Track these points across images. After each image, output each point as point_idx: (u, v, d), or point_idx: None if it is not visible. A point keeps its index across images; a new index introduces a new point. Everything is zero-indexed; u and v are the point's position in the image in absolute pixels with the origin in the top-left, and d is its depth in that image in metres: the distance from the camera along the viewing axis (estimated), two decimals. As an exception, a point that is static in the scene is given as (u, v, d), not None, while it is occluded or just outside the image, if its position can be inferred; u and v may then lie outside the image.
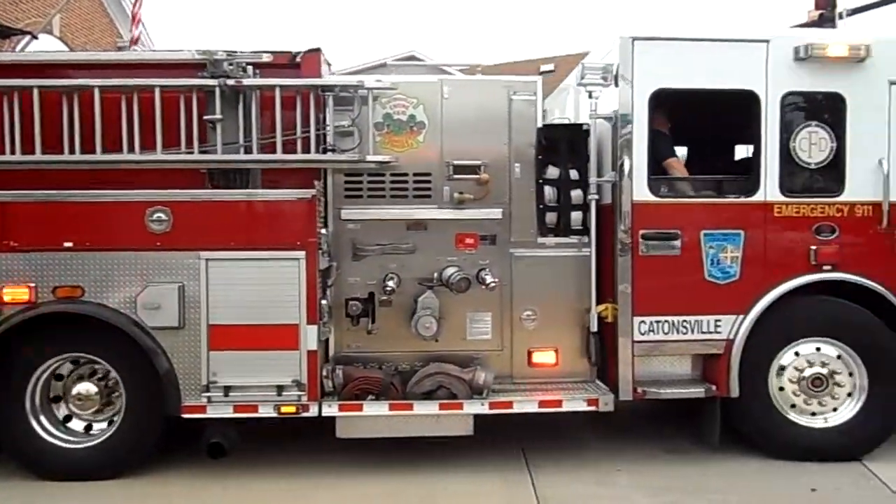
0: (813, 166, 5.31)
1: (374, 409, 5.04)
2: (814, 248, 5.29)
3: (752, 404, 5.30)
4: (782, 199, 5.28)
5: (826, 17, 13.41)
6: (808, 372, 5.35)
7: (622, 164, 5.18)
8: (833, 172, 5.33)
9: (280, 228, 4.97)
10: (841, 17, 13.43)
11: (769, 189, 5.27)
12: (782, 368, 5.36)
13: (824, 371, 5.36)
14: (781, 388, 5.36)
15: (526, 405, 5.16)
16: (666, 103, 5.34)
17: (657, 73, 5.19)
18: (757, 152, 5.30)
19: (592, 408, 5.19)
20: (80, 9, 16.24)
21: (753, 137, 5.31)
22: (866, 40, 5.26)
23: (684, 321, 5.28)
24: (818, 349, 5.37)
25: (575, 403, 5.19)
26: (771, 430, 5.35)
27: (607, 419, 5.51)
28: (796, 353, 5.37)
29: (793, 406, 5.37)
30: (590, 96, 5.29)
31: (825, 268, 5.31)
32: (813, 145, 5.29)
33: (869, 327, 5.37)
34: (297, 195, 4.97)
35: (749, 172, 5.36)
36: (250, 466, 5.23)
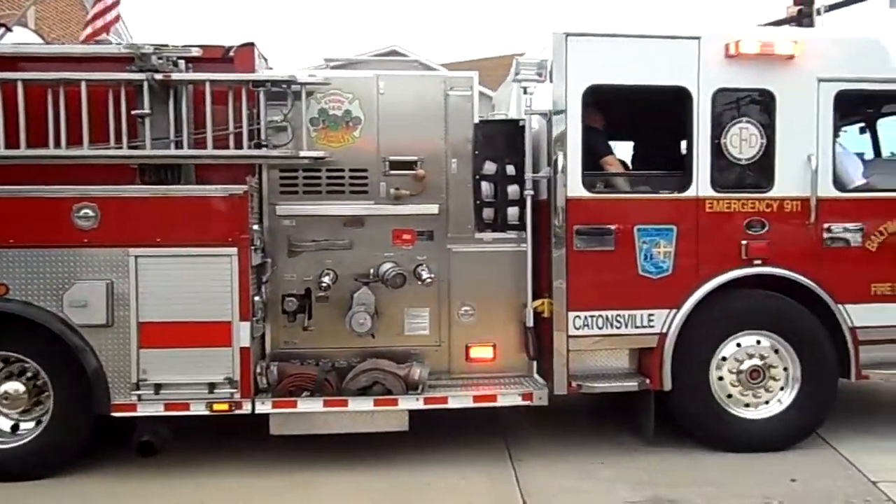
0: (743, 162, 5.40)
1: (309, 405, 5.02)
2: (745, 242, 5.37)
3: (692, 397, 5.38)
4: (714, 194, 5.35)
5: (804, 13, 13.62)
6: (746, 364, 5.44)
7: (556, 160, 5.21)
8: (763, 168, 5.42)
9: (211, 225, 4.92)
10: (819, 13, 13.64)
11: (701, 185, 5.34)
12: (723, 360, 5.43)
13: (762, 363, 5.45)
14: (721, 380, 5.43)
15: (461, 400, 5.19)
16: (600, 99, 5.38)
17: (590, 70, 5.23)
18: (689, 148, 5.36)
19: (527, 402, 5.23)
20: (56, 1, 15.95)
21: (686, 134, 5.37)
22: (795, 38, 5.36)
23: (618, 316, 5.33)
24: (758, 342, 5.47)
25: (510, 398, 5.23)
26: (710, 422, 5.42)
27: (590, 412, 5.59)
28: (738, 345, 5.45)
29: (729, 396, 5.44)
30: (525, 92, 5.31)
31: (756, 262, 5.40)
32: (743, 141, 5.37)
33: (802, 320, 5.48)
34: (229, 191, 4.93)
35: (682, 168, 5.43)
36: (225, 464, 5.21)
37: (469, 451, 5.44)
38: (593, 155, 5.44)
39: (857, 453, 5.34)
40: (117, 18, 12.63)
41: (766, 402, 5.49)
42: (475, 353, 5.52)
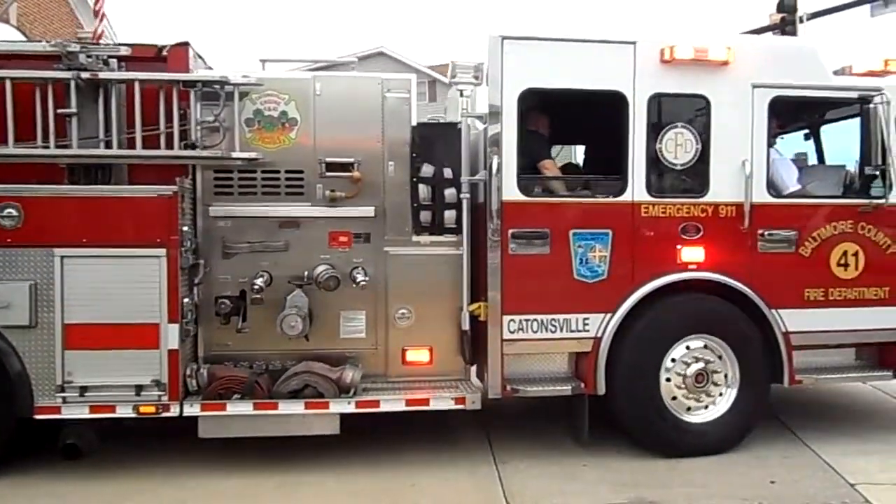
0: (679, 167, 5.43)
1: (238, 408, 4.98)
2: (680, 247, 5.40)
3: (635, 401, 5.38)
4: (649, 199, 5.38)
5: (787, 20, 13.76)
6: (692, 368, 5.46)
7: (491, 164, 5.21)
8: (698, 173, 5.46)
9: (140, 225, 4.88)
10: (801, 20, 13.77)
11: (636, 189, 5.36)
12: (671, 363, 5.45)
13: (706, 367, 5.48)
14: (668, 383, 5.45)
15: (393, 404, 5.17)
16: (536, 103, 5.40)
17: (526, 73, 5.23)
18: (624, 153, 5.38)
19: (460, 406, 5.22)
20: (40, -2, 15.80)
21: (621, 138, 5.39)
22: (729, 44, 5.39)
23: (553, 320, 5.34)
24: (704, 346, 5.50)
25: (442, 402, 5.22)
26: (654, 426, 5.43)
27: (573, 414, 5.53)
28: (687, 347, 5.48)
29: (674, 399, 5.47)
30: (461, 95, 5.31)
31: (691, 267, 5.43)
32: (679, 146, 5.40)
33: (740, 324, 5.53)
34: (158, 192, 4.88)
35: (618, 173, 5.45)
36: (209, 464, 5.18)
37: (453, 453, 5.49)
38: (530, 159, 5.44)
39: (837, 456, 5.40)
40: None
41: (707, 407, 5.53)
42: (412, 356, 5.50)
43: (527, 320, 5.31)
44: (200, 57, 5.47)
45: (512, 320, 5.29)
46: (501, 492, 4.90)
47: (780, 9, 13.83)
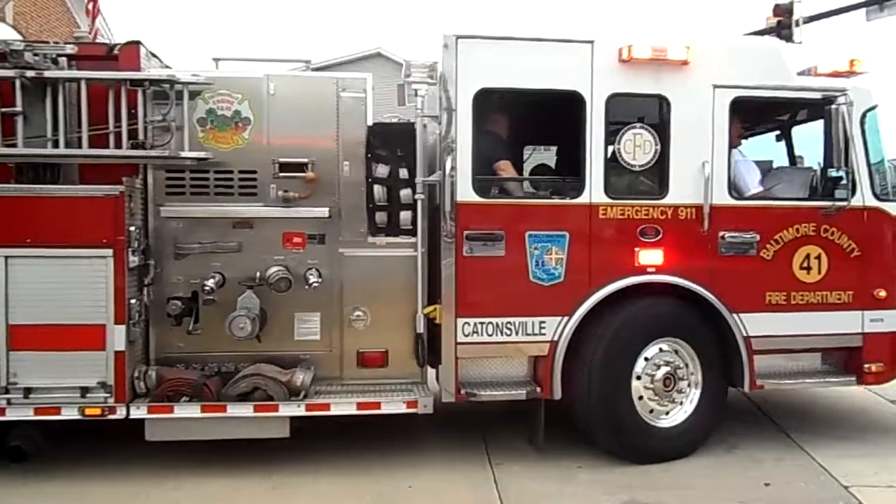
0: (637, 168, 5.35)
1: (186, 410, 4.93)
2: (638, 250, 5.32)
3: (609, 407, 5.28)
4: (607, 200, 5.30)
5: (783, 24, 13.73)
6: (661, 372, 5.39)
7: (445, 164, 5.14)
8: (657, 175, 5.38)
9: (86, 226, 4.82)
10: (797, 24, 13.74)
11: (594, 191, 5.28)
12: (642, 367, 5.37)
13: (673, 370, 5.42)
14: (637, 388, 5.37)
15: (344, 407, 5.10)
16: (492, 103, 5.32)
17: (481, 72, 5.15)
18: (582, 154, 5.30)
19: (412, 410, 5.15)
20: (36, -4, 15.84)
21: (579, 139, 5.31)
22: (689, 44, 5.30)
23: (508, 323, 5.26)
24: (668, 348, 5.43)
25: (394, 405, 5.15)
26: (627, 432, 5.34)
27: (568, 416, 5.50)
28: (661, 349, 5.42)
29: (640, 398, 5.38)
30: (415, 94, 5.24)
31: (650, 270, 5.35)
32: (637, 147, 5.32)
33: (703, 327, 5.46)
34: (104, 191, 4.82)
35: (575, 174, 5.37)
36: (205, 466, 5.16)
37: (450, 455, 5.48)
38: (486, 159, 5.37)
39: (831, 459, 5.40)
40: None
41: (671, 411, 5.46)
42: (367, 358, 5.43)
43: (481, 323, 5.24)
44: (154, 56, 5.42)
45: (466, 323, 5.22)
46: (497, 493, 4.90)
47: (776, 12, 13.80)
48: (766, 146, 6.84)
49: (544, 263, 5.27)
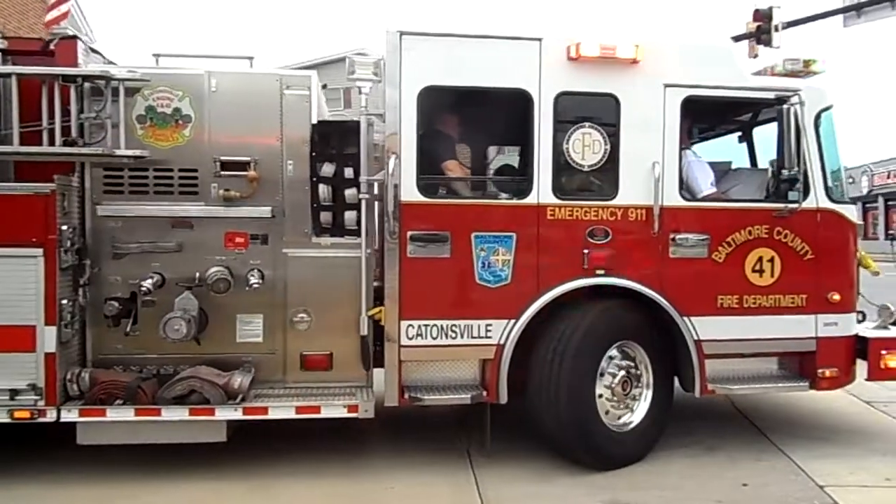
0: (586, 169, 5.25)
1: (119, 414, 4.81)
2: (587, 251, 5.22)
3: (571, 412, 5.14)
4: (555, 201, 5.20)
5: (763, 29, 13.83)
6: (619, 375, 5.30)
7: (388, 163, 5.03)
8: (607, 175, 5.28)
9: (16, 224, 4.71)
10: (777, 29, 13.83)
11: (542, 191, 5.18)
12: (603, 371, 5.27)
13: (630, 374, 5.33)
14: (597, 392, 5.25)
15: (282, 411, 4.99)
16: (438, 101, 5.21)
17: (426, 70, 5.06)
18: (530, 153, 5.20)
19: (353, 414, 5.04)
20: (14, -8, 15.73)
21: (527, 138, 5.21)
22: (639, 42, 5.20)
23: (454, 325, 5.15)
24: (629, 354, 5.35)
25: (334, 410, 5.04)
26: (589, 437, 5.21)
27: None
28: (623, 352, 5.32)
29: (598, 398, 5.26)
30: (359, 92, 5.13)
31: (599, 272, 5.25)
32: (586, 147, 5.22)
33: (654, 330, 5.37)
34: (34, 189, 4.71)
35: (523, 174, 5.26)
36: (183, 468, 5.08)
37: (431, 456, 5.44)
38: (433, 159, 5.27)
39: (807, 459, 5.43)
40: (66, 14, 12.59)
41: (624, 416, 5.36)
42: (310, 361, 5.32)
43: (426, 326, 5.13)
44: (95, 51, 5.31)
45: (410, 326, 5.11)
46: (478, 495, 4.86)
47: (756, 17, 13.93)
48: (730, 148, 6.79)
49: (490, 265, 5.16)
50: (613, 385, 5.27)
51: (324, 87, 6.12)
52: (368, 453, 5.42)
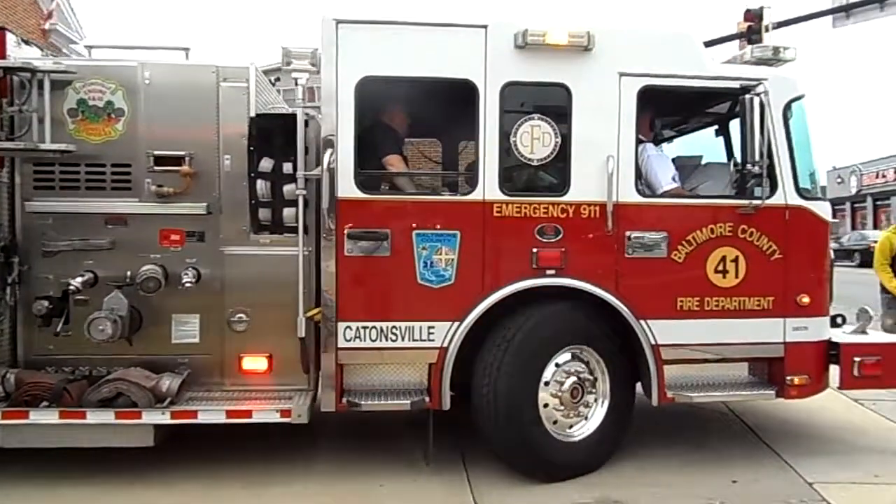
0: (536, 163, 4.97)
1: (42, 416, 4.65)
2: (535, 250, 4.95)
3: (512, 418, 4.91)
4: (502, 197, 4.92)
5: (754, 29, 13.60)
6: (568, 382, 5.01)
7: (323, 158, 4.80)
8: (558, 170, 5.00)
9: (-68, 221, 4.58)
10: (767, 29, 13.59)
11: (488, 187, 4.91)
12: (549, 377, 5.00)
13: (580, 380, 5.05)
14: (542, 398, 4.99)
15: (212, 415, 4.79)
16: (378, 93, 4.96)
17: (364, 60, 4.82)
18: (475, 147, 4.94)
19: (286, 419, 4.82)
20: (4, -12, 15.89)
21: (472, 131, 4.95)
22: (590, 29, 4.91)
23: (394, 327, 4.91)
24: (576, 357, 5.06)
25: (267, 414, 4.82)
26: (531, 445, 4.96)
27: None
28: (572, 356, 5.05)
29: (546, 406, 5.01)
30: (296, 83, 4.92)
31: (549, 272, 4.97)
32: (536, 140, 4.94)
33: (610, 333, 5.08)
34: (-46, 185, 4.58)
35: (468, 169, 5.00)
36: (173, 468, 5.03)
37: (423, 454, 5.28)
38: (373, 153, 5.03)
39: (795, 456, 5.43)
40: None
41: (577, 425, 5.09)
42: (248, 363, 5.11)
43: (364, 328, 4.90)
44: (28, 43, 5.16)
45: (348, 327, 4.89)
46: (470, 492, 4.81)
47: (747, 17, 13.84)
48: (712, 142, 6.44)
49: (433, 264, 4.91)
50: (561, 393, 4.98)
51: (277, 80, 5.92)
52: (362, 452, 5.35)
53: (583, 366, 5.08)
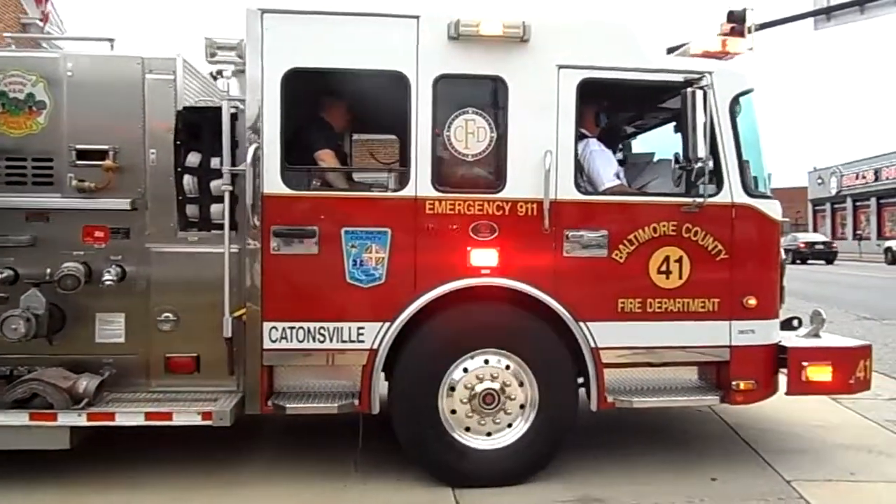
0: (470, 158, 4.79)
1: (-46, 418, 4.51)
2: (470, 249, 4.77)
3: (413, 423, 4.77)
4: (435, 194, 4.75)
5: (736, 30, 13.50)
6: (479, 388, 4.81)
7: (248, 153, 4.63)
8: (493, 165, 4.82)
9: None
10: (750, 31, 13.46)
11: (420, 183, 4.74)
12: (455, 381, 4.80)
13: (496, 386, 4.83)
14: (451, 405, 4.81)
15: (131, 417, 4.62)
16: (306, 86, 4.80)
17: (291, 51, 4.65)
18: (407, 141, 4.77)
19: (207, 422, 4.65)
20: (-10, -13, 15.81)
21: (403, 125, 4.77)
22: (526, 19, 4.72)
23: (322, 328, 4.74)
24: (490, 362, 4.84)
25: (187, 417, 4.64)
26: (436, 451, 4.80)
27: None
28: (485, 361, 4.84)
29: (453, 413, 4.82)
30: (221, 75, 4.77)
31: (483, 272, 4.79)
32: (470, 135, 4.76)
33: (540, 337, 4.85)
34: None
35: (401, 164, 4.82)
36: (151, 468, 5.01)
37: (404, 454, 5.07)
38: (303, 148, 4.86)
39: (774, 454, 5.48)
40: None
41: (497, 432, 4.87)
42: (175, 364, 4.95)
43: (291, 328, 4.73)
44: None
45: (274, 328, 4.72)
46: (451, 491, 4.74)
47: (730, 20, 13.70)
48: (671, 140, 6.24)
49: (363, 263, 4.74)
50: (470, 399, 4.79)
51: (218, 73, 5.74)
52: (342, 452, 5.24)
53: (501, 371, 4.85)
